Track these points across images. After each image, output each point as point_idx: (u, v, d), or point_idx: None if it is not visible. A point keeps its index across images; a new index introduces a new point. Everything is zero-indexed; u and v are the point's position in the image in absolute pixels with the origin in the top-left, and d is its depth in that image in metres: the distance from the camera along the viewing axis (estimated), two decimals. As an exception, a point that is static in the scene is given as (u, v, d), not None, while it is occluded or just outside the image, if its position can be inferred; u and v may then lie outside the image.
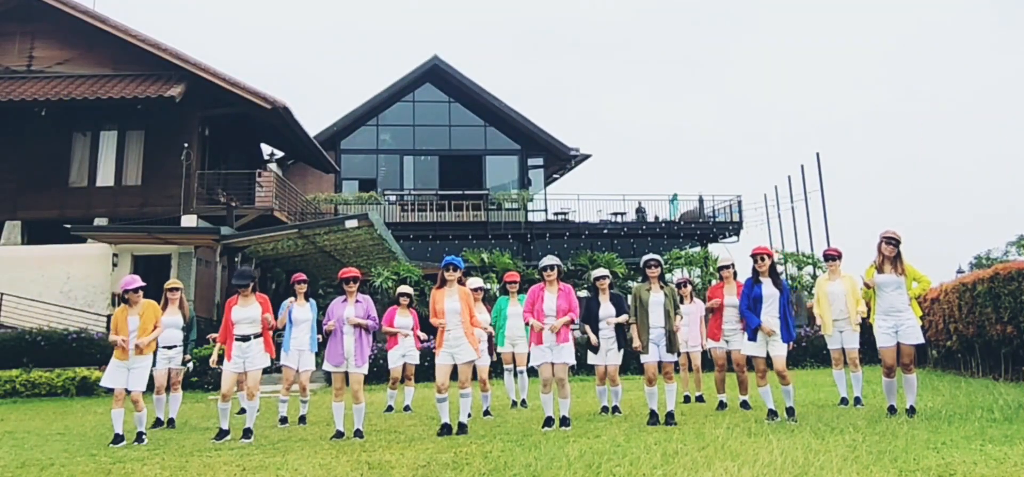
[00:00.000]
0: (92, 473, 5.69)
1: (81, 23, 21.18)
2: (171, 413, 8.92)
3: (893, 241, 7.08)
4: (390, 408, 9.82)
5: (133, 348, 7.30)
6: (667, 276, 16.48)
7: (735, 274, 8.50)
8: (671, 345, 7.35)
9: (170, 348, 8.78)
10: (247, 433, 7.33)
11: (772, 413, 7.14)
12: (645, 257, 7.65)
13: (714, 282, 9.73)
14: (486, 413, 8.70)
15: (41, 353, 15.86)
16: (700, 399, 9.61)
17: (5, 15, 21.44)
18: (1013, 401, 7.70)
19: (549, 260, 7.54)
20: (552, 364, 7.26)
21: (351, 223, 17.53)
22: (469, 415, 7.60)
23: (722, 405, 8.57)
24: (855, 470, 4.53)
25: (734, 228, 28.04)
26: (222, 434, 7.34)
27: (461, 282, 7.37)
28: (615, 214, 27.89)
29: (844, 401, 8.39)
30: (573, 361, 7.35)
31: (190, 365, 9.44)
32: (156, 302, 7.87)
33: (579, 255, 24.79)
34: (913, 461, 4.75)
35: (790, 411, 7.10)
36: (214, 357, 8.26)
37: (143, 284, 7.59)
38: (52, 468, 5.99)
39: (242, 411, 8.53)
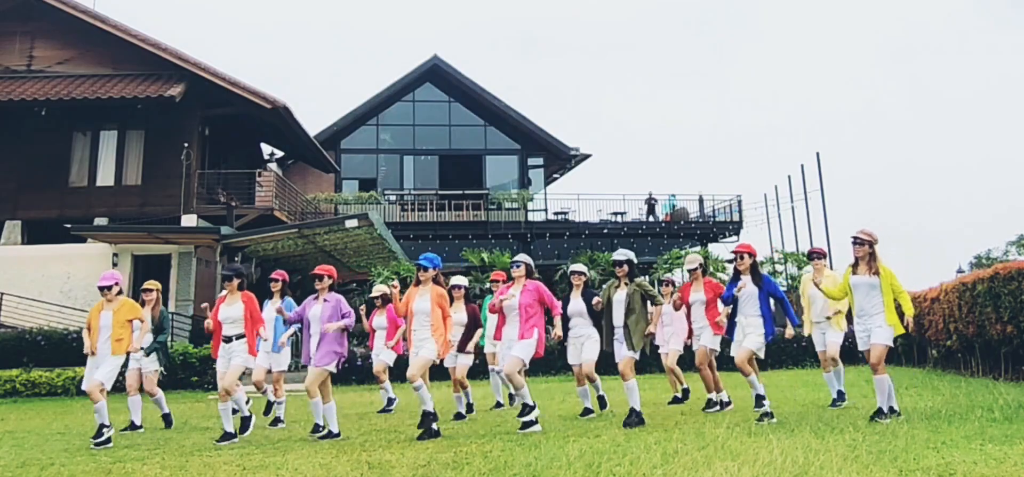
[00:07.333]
0: (92, 473, 5.68)
1: (81, 23, 21.18)
2: (164, 410, 8.80)
3: (859, 241, 6.80)
4: (385, 406, 9.82)
5: (111, 345, 7.18)
6: (666, 276, 16.48)
7: (704, 272, 8.58)
8: (631, 343, 7.25)
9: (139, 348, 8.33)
10: (245, 423, 7.39)
11: (765, 410, 7.13)
12: (614, 255, 7.68)
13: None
14: (457, 416, 8.50)
15: (41, 353, 15.89)
16: (685, 395, 9.56)
17: (5, 15, 21.44)
18: (1013, 401, 7.70)
19: (518, 258, 7.46)
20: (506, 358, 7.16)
21: (351, 223, 17.56)
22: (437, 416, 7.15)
23: (709, 403, 8.55)
24: (855, 470, 4.53)
25: (734, 228, 28.05)
26: (226, 436, 7.21)
27: (437, 281, 7.10)
28: (615, 214, 27.92)
29: (835, 402, 8.36)
30: (526, 358, 7.07)
31: (162, 367, 9.02)
32: (135, 302, 7.73)
33: (579, 255, 24.79)
34: (913, 461, 4.74)
35: (759, 398, 7.17)
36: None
37: (117, 281, 7.45)
38: (52, 468, 5.99)
39: (235, 411, 8.50)
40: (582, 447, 5.80)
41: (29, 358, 15.76)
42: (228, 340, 7.36)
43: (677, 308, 8.78)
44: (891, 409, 7.07)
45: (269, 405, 9.32)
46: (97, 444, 7.04)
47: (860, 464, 4.68)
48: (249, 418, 7.65)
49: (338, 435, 7.15)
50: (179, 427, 8.79)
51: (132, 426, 8.62)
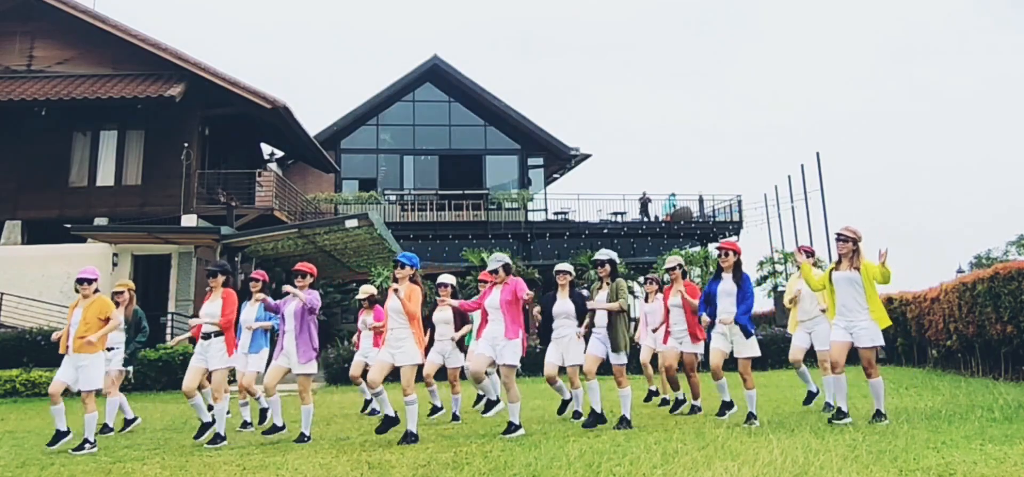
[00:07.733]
0: (92, 472, 5.69)
1: (81, 23, 21.17)
2: (106, 417, 8.31)
3: (843, 238, 6.78)
4: (373, 411, 9.76)
5: (73, 343, 6.92)
6: (662, 275, 16.43)
7: (684, 274, 8.45)
8: (615, 346, 7.16)
9: (109, 349, 7.97)
10: (216, 438, 6.95)
11: (750, 416, 6.94)
12: (595, 255, 7.64)
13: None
14: (454, 417, 8.44)
15: (41, 353, 15.85)
16: (661, 398, 9.52)
17: (5, 15, 21.43)
18: (1013, 401, 7.70)
19: (494, 261, 7.29)
20: (496, 363, 7.06)
21: (351, 223, 17.54)
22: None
23: (670, 402, 8.50)
24: (855, 470, 4.53)
25: (734, 227, 28.03)
26: (204, 429, 7.07)
27: (414, 279, 6.93)
28: (615, 214, 27.93)
29: (828, 406, 8.31)
30: (517, 362, 6.95)
31: (131, 370, 8.67)
32: (108, 299, 7.42)
33: (579, 255, 24.79)
34: (913, 461, 4.74)
35: (750, 416, 6.87)
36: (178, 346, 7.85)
37: (96, 277, 7.23)
38: (52, 468, 5.99)
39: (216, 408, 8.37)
40: (582, 447, 5.80)
41: (29, 358, 15.75)
42: (207, 337, 7.28)
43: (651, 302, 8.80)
44: (827, 405, 7.02)
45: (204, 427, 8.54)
46: (75, 451, 6.76)
47: (860, 464, 4.68)
48: (220, 436, 7.14)
49: (283, 428, 7.49)
50: (178, 427, 8.77)
51: (127, 423, 8.59)
